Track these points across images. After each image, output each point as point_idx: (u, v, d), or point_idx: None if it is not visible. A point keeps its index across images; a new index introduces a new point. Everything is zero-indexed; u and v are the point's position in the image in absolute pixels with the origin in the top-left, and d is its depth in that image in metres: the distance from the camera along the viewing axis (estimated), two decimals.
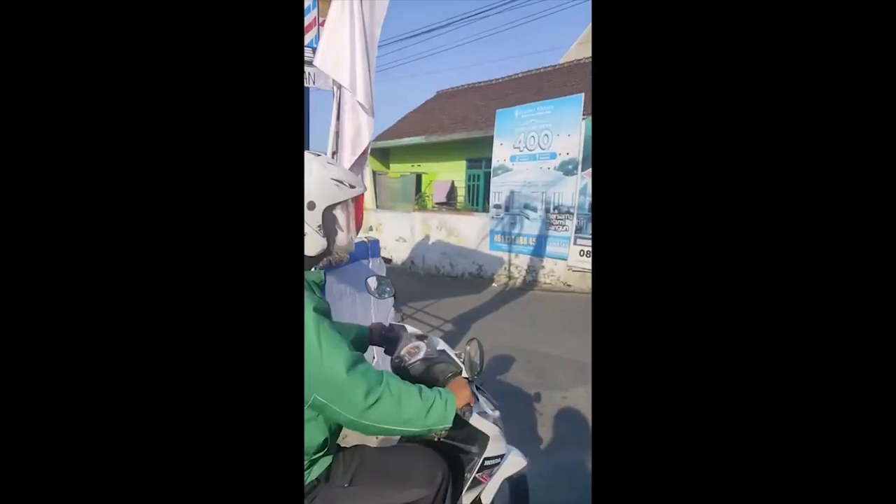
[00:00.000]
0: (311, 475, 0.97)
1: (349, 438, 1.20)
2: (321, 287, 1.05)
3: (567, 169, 6.36)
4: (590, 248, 6.11)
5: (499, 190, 7.28)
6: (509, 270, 7.12)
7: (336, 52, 2.48)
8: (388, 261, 2.89)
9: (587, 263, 6.13)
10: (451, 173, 9.34)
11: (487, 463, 1.15)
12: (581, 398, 2.89)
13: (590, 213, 6.11)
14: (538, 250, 6.75)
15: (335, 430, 1.01)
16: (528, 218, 6.87)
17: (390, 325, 1.41)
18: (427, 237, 8.25)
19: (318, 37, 3.12)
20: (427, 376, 1.13)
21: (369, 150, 2.68)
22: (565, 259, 6.43)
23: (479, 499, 1.17)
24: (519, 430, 2.48)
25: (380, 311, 2.69)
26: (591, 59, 9.65)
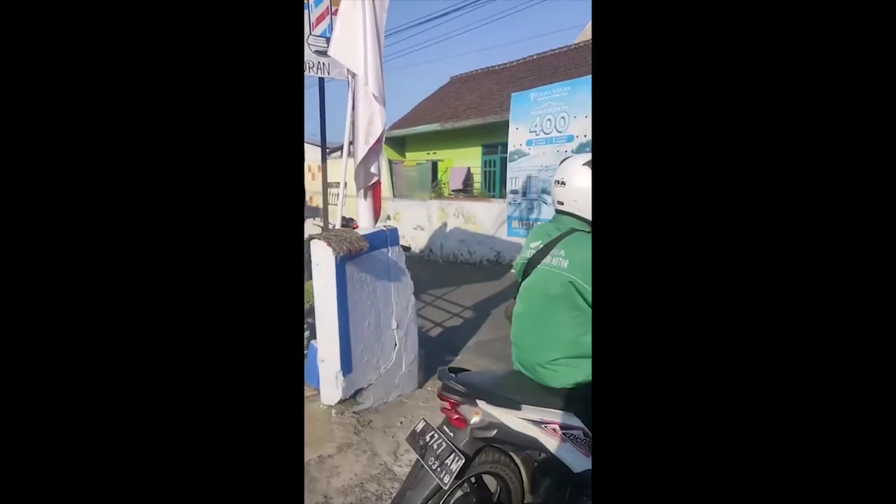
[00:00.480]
0: None
1: None
2: None
3: (585, 151, 6.24)
4: None
5: (515, 175, 7.21)
6: None
7: (349, 41, 2.48)
8: (406, 249, 2.91)
9: None
10: (466, 160, 9.28)
11: None
12: None
13: None
14: None
15: None
16: (545, 203, 6.80)
17: None
18: (444, 225, 8.25)
19: (331, 26, 3.12)
20: None
21: (384, 139, 2.68)
22: None
23: None
24: None
25: (400, 300, 2.71)
26: None
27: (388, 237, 2.66)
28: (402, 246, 2.77)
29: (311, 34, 3.19)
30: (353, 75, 2.59)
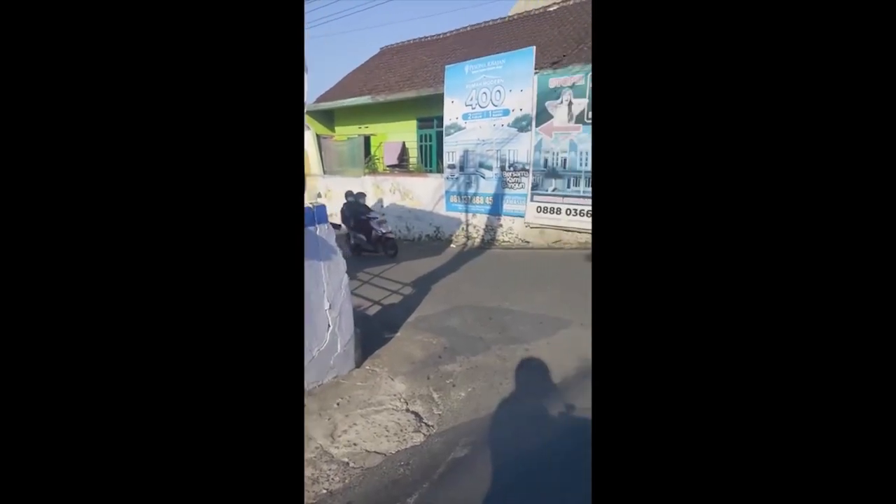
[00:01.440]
0: None
1: None
2: None
3: (521, 125, 6.28)
4: (547, 204, 6.15)
5: (452, 150, 7.13)
6: (467, 230, 7.10)
7: None
8: (336, 227, 2.76)
9: (544, 219, 6.18)
10: (401, 134, 9.05)
11: None
12: (542, 350, 2.94)
13: (545, 169, 6.11)
14: (495, 209, 6.74)
15: None
16: (483, 177, 6.81)
17: None
18: (381, 201, 8.05)
19: None
20: None
21: (305, 110, 2.48)
22: (522, 216, 6.46)
23: None
24: (486, 382, 2.50)
25: (332, 278, 2.57)
26: (540, 10, 9.24)
27: (314, 215, 2.49)
28: (331, 223, 2.61)
29: None
30: None
